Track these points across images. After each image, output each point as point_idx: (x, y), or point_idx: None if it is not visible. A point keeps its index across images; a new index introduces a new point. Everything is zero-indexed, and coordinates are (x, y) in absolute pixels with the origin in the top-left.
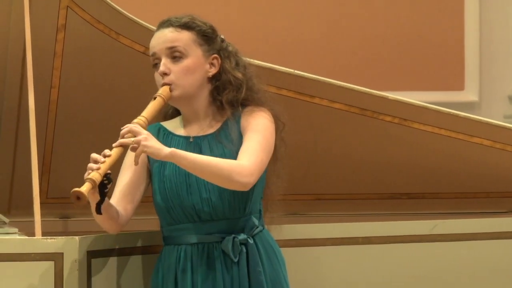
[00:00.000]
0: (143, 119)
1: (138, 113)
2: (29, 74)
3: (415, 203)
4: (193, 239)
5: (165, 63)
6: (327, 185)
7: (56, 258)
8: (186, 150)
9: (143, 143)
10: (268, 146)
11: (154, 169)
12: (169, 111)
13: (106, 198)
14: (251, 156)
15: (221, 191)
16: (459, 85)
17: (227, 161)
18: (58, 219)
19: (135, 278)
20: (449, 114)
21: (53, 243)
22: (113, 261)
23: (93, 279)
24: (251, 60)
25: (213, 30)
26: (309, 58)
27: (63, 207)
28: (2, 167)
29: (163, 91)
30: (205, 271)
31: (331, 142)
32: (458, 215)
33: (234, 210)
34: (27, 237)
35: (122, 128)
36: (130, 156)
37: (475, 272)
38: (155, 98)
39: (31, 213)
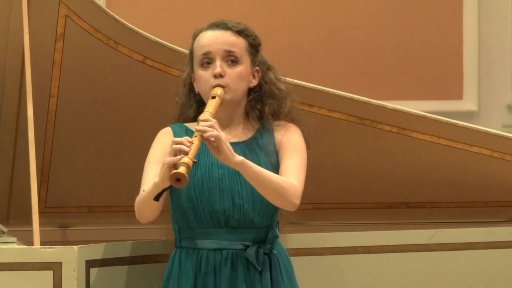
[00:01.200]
0: (211, 114)
1: (137, 121)
2: (28, 83)
3: (413, 212)
4: (216, 244)
5: (221, 65)
6: (325, 195)
7: (55, 267)
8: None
9: (222, 140)
10: (305, 166)
11: None
12: (192, 114)
13: None
14: (298, 177)
15: (254, 199)
16: (457, 94)
17: (285, 180)
18: (57, 228)
19: (135, 286)
20: (447, 123)
21: (52, 253)
22: (111, 270)
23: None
24: None
25: (260, 43)
26: (308, 67)
27: (62, 216)
28: (1, 176)
29: (220, 92)
30: (228, 278)
31: (330, 151)
32: (457, 224)
33: (262, 219)
34: (25, 246)
35: (201, 117)
36: (158, 149)
37: (474, 281)
38: (213, 97)
39: (29, 222)
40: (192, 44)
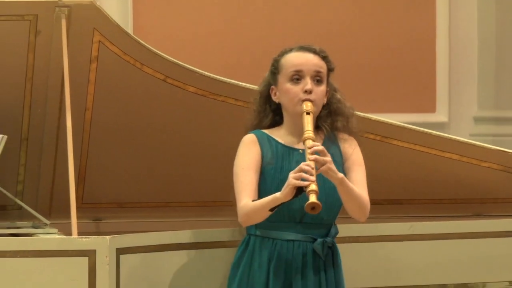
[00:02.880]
0: (312, 134)
1: (159, 129)
2: (67, 98)
3: (393, 208)
4: (290, 236)
5: (311, 83)
6: None
7: (90, 254)
8: (297, 160)
9: (329, 165)
10: None
11: (266, 170)
12: (268, 123)
13: None
14: (367, 192)
15: (327, 202)
16: (431, 108)
17: (365, 196)
18: (91, 221)
19: (158, 272)
20: (423, 132)
21: (87, 242)
22: (138, 257)
23: (121, 272)
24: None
25: (334, 68)
26: None
27: (95, 211)
28: (44, 177)
29: (311, 107)
30: (298, 266)
31: None
32: (430, 218)
33: (329, 218)
34: (65, 236)
35: (312, 145)
36: (249, 156)
37: (446, 265)
38: (308, 113)
39: (68, 216)
40: (278, 61)
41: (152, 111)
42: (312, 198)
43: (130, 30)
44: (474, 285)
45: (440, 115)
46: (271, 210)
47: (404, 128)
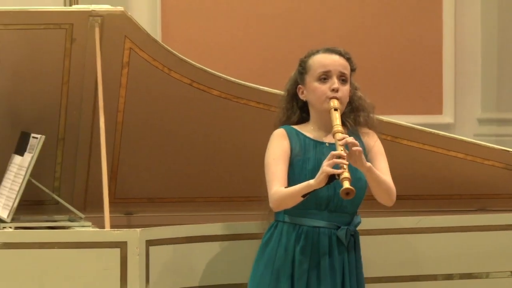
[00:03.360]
0: (341, 127)
1: (184, 130)
2: (100, 101)
3: (403, 203)
4: (316, 223)
5: (337, 82)
6: None
7: (122, 246)
8: (324, 153)
9: (358, 153)
10: None
11: (295, 162)
12: (296, 119)
13: None
14: (391, 179)
15: None
16: (438, 110)
17: (391, 183)
18: (123, 215)
19: (185, 262)
20: (430, 133)
21: (119, 234)
22: (167, 248)
23: (151, 262)
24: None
25: (356, 68)
26: None
27: (127, 205)
28: (79, 174)
29: (338, 104)
30: (322, 251)
31: None
32: (437, 212)
33: (352, 207)
34: (98, 229)
35: (342, 137)
36: (279, 148)
37: (452, 256)
38: (336, 110)
39: (101, 210)
40: (306, 62)
41: (179, 113)
42: (346, 184)
43: (158, 38)
44: (478, 275)
45: (446, 117)
46: (303, 196)
47: (413, 128)
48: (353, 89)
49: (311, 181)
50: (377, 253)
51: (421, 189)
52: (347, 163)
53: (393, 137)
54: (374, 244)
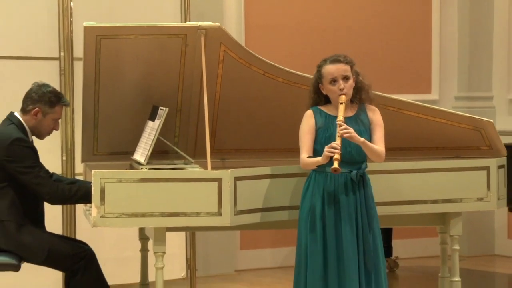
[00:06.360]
0: (342, 118)
1: (259, 103)
2: (204, 85)
3: (403, 152)
4: None
5: (342, 83)
6: None
7: (218, 180)
8: (335, 124)
9: (351, 134)
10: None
11: (319, 132)
12: (322, 103)
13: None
14: (384, 145)
15: (358, 149)
16: (428, 90)
17: (381, 148)
18: (219, 160)
19: (259, 191)
20: (423, 106)
21: (217, 173)
22: (248, 182)
23: (237, 191)
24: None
25: (355, 64)
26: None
27: (222, 154)
28: (191, 133)
29: (344, 99)
30: (343, 190)
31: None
32: (427, 158)
33: (360, 158)
34: (203, 169)
35: (340, 125)
36: (308, 125)
37: (437, 188)
38: (341, 103)
39: (205, 157)
40: (320, 70)
41: (256, 93)
42: (335, 164)
43: (242, 43)
44: (454, 200)
45: (433, 95)
46: (317, 166)
47: (411, 103)
48: (356, 75)
49: (319, 159)
50: (383, 187)
51: (416, 143)
52: (339, 150)
53: (397, 109)
54: (381, 181)
